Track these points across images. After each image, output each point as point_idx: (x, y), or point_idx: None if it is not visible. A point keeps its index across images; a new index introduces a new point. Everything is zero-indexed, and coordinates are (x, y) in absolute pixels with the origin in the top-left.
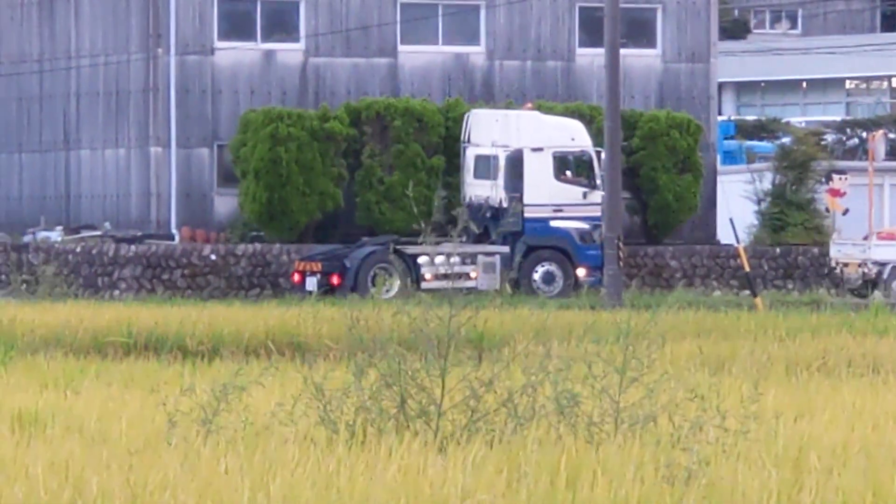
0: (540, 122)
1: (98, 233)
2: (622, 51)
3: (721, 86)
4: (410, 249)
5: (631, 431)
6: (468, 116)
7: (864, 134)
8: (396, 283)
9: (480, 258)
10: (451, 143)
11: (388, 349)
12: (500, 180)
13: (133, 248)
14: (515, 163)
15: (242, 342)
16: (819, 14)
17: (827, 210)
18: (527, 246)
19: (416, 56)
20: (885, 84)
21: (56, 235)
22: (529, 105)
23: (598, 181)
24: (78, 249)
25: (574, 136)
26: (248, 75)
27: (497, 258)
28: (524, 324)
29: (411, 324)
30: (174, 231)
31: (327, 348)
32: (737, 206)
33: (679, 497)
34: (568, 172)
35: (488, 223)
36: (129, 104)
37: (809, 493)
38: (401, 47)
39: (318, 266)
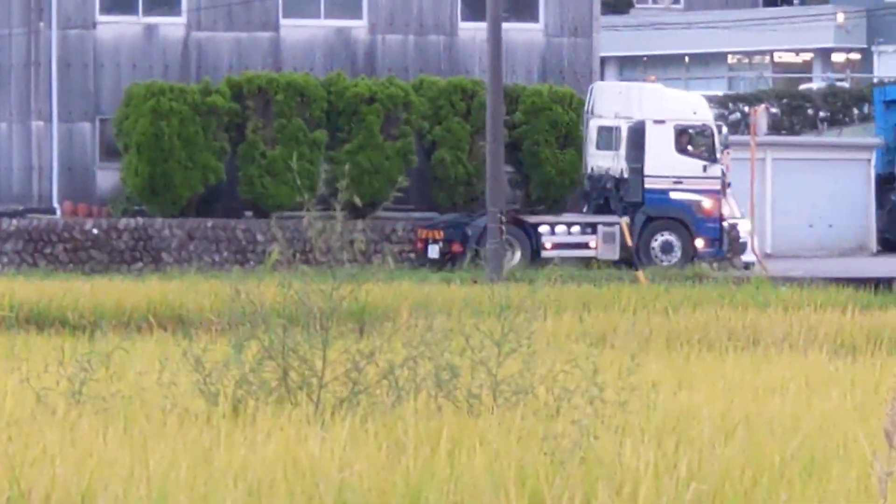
0: (662, 95)
1: None
2: (504, 25)
3: (603, 60)
4: (532, 219)
5: (510, 403)
6: (592, 88)
7: (746, 108)
8: (518, 252)
9: (600, 228)
10: (333, 117)
11: (270, 322)
12: (622, 151)
13: (14, 222)
14: (637, 134)
15: (124, 316)
16: None
17: None
18: (646, 216)
19: (299, 30)
20: (767, 59)
21: None
22: (653, 78)
23: (719, 155)
24: None
25: (696, 109)
26: (129, 49)
27: (617, 228)
28: (406, 297)
29: (293, 296)
30: (56, 205)
31: (209, 322)
32: None
33: (556, 467)
34: (689, 146)
35: (609, 194)
36: (10, 78)
37: (688, 464)
38: (283, 21)
39: (440, 234)
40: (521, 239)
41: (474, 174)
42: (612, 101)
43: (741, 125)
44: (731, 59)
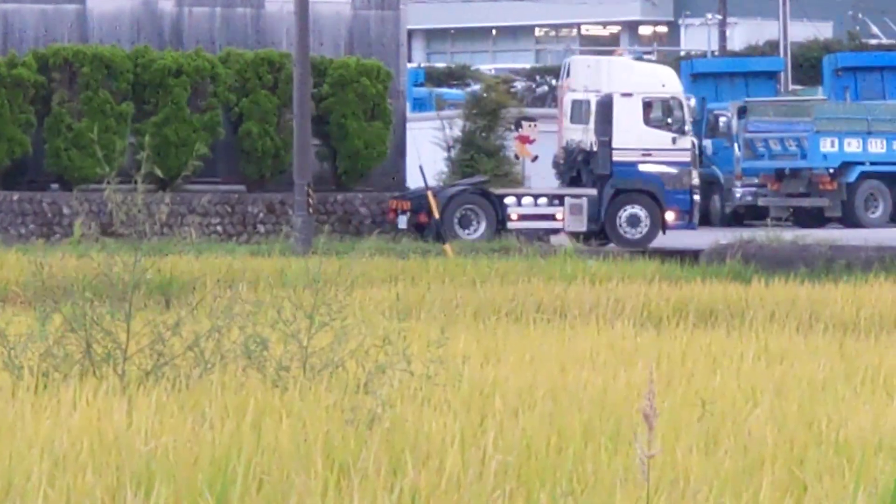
0: (630, 68)
1: None
2: None
3: (411, 33)
4: (498, 190)
5: (319, 376)
6: (567, 62)
7: (554, 81)
8: (483, 224)
9: (567, 200)
10: (139, 90)
11: (74, 294)
12: (591, 124)
13: None
14: (605, 107)
15: None
16: None
17: (516, 157)
18: (615, 189)
19: (105, 2)
20: (574, 32)
21: None
22: (620, 51)
23: (688, 127)
24: None
25: (665, 82)
26: None
27: (584, 200)
28: (213, 269)
29: (96, 269)
30: None
31: (14, 295)
32: (427, 152)
33: (362, 439)
34: (663, 119)
35: (580, 167)
36: None
37: (494, 435)
38: None
39: (407, 205)
40: (487, 210)
41: (282, 147)
42: (582, 75)
43: (548, 98)
44: (538, 32)
